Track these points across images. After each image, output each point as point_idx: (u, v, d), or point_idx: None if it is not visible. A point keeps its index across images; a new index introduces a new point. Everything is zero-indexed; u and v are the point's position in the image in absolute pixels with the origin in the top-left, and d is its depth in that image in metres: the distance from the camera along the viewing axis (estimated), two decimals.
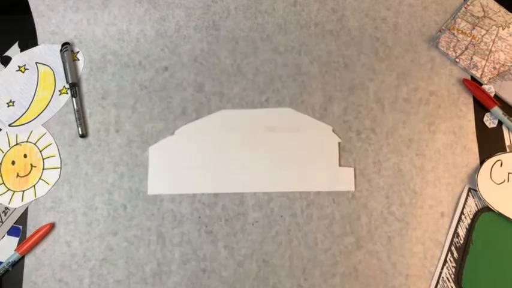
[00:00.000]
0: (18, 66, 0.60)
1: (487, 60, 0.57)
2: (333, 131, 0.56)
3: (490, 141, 0.55)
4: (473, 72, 0.57)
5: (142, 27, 0.59)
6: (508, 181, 0.53)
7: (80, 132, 0.57)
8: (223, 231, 0.54)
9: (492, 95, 0.56)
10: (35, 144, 0.57)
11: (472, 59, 0.57)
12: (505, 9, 0.58)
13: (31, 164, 0.57)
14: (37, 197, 0.56)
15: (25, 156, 0.57)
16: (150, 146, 0.56)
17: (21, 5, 0.60)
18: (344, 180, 0.55)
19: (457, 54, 0.57)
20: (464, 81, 0.56)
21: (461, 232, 0.53)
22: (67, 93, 0.59)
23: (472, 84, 0.56)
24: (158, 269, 0.54)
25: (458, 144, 0.55)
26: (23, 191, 0.56)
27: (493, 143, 0.55)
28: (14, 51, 0.60)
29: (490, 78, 0.57)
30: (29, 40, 0.60)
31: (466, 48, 0.57)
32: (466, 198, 0.54)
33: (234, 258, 0.54)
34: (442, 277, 0.52)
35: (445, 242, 0.53)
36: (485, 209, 0.53)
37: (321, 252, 0.53)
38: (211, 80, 0.58)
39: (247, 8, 0.59)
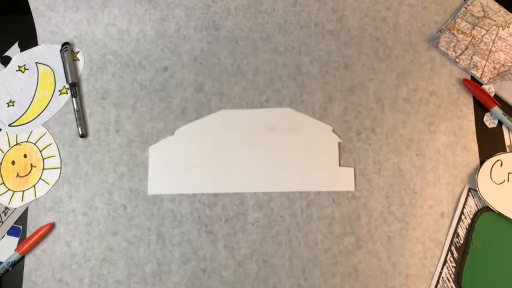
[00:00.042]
0: (18, 66, 0.60)
1: (487, 60, 0.57)
2: (333, 131, 0.56)
3: (490, 141, 0.55)
4: (473, 72, 0.57)
5: (142, 27, 0.59)
6: (508, 181, 0.53)
7: (80, 132, 0.57)
8: (223, 231, 0.54)
9: (492, 95, 0.56)
10: (35, 144, 0.57)
11: (472, 59, 0.57)
12: (505, 9, 0.58)
13: (31, 164, 0.57)
14: (37, 197, 0.56)
15: (25, 156, 0.57)
16: (150, 146, 0.56)
17: (21, 5, 0.60)
18: (344, 180, 0.55)
19: (457, 54, 0.57)
20: (464, 81, 0.56)
21: (461, 232, 0.53)
22: (67, 93, 0.59)
23: (472, 84, 0.56)
24: (158, 269, 0.54)
25: (458, 144, 0.55)
26: (23, 191, 0.56)
27: (493, 143, 0.55)
28: (14, 51, 0.60)
29: (490, 78, 0.57)
30: (29, 40, 0.60)
31: (466, 48, 0.57)
32: (466, 198, 0.54)
33: (234, 258, 0.54)
34: (442, 277, 0.52)
35: (445, 242, 0.53)
36: (485, 209, 0.53)
37: (321, 252, 0.53)
38: (211, 80, 0.58)
39: (247, 8, 0.59)
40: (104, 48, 0.59)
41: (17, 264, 0.54)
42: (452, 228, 0.53)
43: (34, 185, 0.56)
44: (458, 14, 0.58)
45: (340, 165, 0.55)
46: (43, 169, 0.57)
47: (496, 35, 0.58)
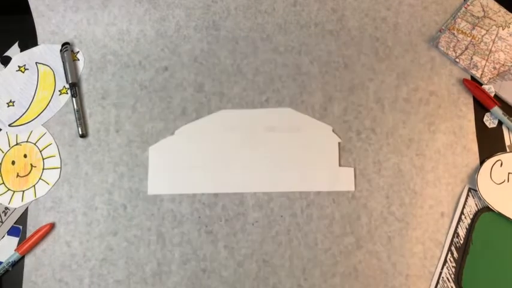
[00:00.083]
0: (18, 66, 0.60)
1: (487, 60, 0.57)
2: (333, 131, 0.56)
3: (490, 141, 0.55)
4: (473, 72, 0.57)
5: (142, 27, 0.59)
6: (508, 181, 0.53)
7: (80, 132, 0.57)
8: (223, 231, 0.54)
9: (492, 95, 0.56)
10: (35, 144, 0.57)
11: (472, 59, 0.57)
12: (505, 9, 0.58)
13: (31, 164, 0.57)
14: (37, 197, 0.56)
15: (25, 156, 0.57)
16: (150, 146, 0.56)
17: (21, 5, 0.60)
18: (344, 180, 0.55)
19: (457, 54, 0.57)
20: (464, 81, 0.56)
21: (461, 232, 0.53)
22: (67, 93, 0.59)
23: (472, 84, 0.56)
24: (158, 269, 0.54)
25: (458, 144, 0.55)
26: (23, 191, 0.56)
27: (493, 143, 0.55)
28: (14, 51, 0.60)
29: (490, 78, 0.57)
30: (29, 40, 0.60)
31: (466, 48, 0.57)
32: (466, 198, 0.54)
33: (234, 258, 0.54)
34: (442, 277, 0.52)
35: (445, 242, 0.53)
36: (485, 209, 0.53)
37: (321, 252, 0.53)
38: (211, 80, 0.58)
39: (247, 8, 0.59)
40: (104, 48, 0.59)
41: (17, 264, 0.54)
42: (452, 228, 0.53)
43: (34, 185, 0.56)
44: (458, 14, 0.58)
45: (340, 165, 0.55)
46: (43, 169, 0.57)
47: (496, 35, 0.58)
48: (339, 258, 0.53)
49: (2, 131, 0.58)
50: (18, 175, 0.57)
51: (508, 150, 0.55)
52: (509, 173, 0.54)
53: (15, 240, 0.55)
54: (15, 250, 0.54)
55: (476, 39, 0.58)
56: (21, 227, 0.56)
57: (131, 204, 0.55)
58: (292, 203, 0.54)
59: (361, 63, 0.58)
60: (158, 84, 0.58)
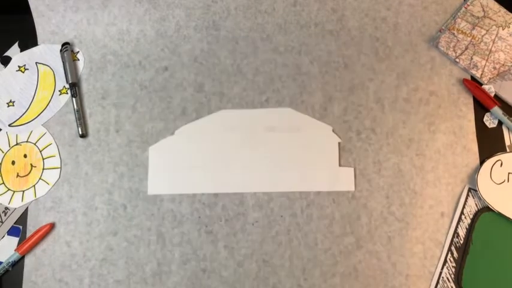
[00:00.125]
0: (18, 66, 0.60)
1: (487, 60, 0.57)
2: (333, 131, 0.56)
3: (490, 141, 0.55)
4: (473, 72, 0.57)
5: (142, 27, 0.59)
6: (508, 181, 0.53)
7: (80, 132, 0.57)
8: (223, 231, 0.54)
9: (492, 95, 0.56)
10: (35, 144, 0.57)
11: (472, 59, 0.57)
12: (505, 9, 0.58)
13: (31, 164, 0.57)
14: (37, 197, 0.56)
15: (25, 156, 0.57)
16: (150, 146, 0.56)
17: (21, 5, 0.60)
18: (344, 180, 0.55)
19: (457, 54, 0.57)
20: (464, 81, 0.56)
21: (461, 232, 0.53)
22: (67, 93, 0.59)
23: (472, 84, 0.56)
24: (158, 269, 0.54)
25: (458, 144, 0.55)
26: (23, 191, 0.56)
27: (493, 143, 0.55)
28: (14, 51, 0.60)
29: (490, 78, 0.57)
30: (29, 40, 0.60)
31: (466, 48, 0.57)
32: (466, 198, 0.54)
33: (234, 258, 0.54)
34: (442, 277, 0.52)
35: (445, 242, 0.53)
36: (485, 209, 0.53)
37: (321, 252, 0.53)
38: (211, 80, 0.58)
39: (247, 8, 0.59)
40: (104, 48, 0.59)
41: (17, 264, 0.54)
42: (452, 228, 0.53)
43: (34, 185, 0.56)
44: (458, 14, 0.58)
45: (340, 165, 0.55)
46: (43, 169, 0.57)
47: (496, 35, 0.58)
48: (338, 258, 0.53)
49: (2, 131, 0.58)
50: (18, 175, 0.57)
51: (508, 150, 0.55)
52: (509, 173, 0.54)
53: (15, 240, 0.55)
54: (15, 250, 0.54)
55: (476, 39, 0.58)
56: (21, 227, 0.56)
57: (131, 204, 0.55)
58: (292, 203, 0.54)
59: (361, 63, 0.58)
60: (158, 84, 0.58)
